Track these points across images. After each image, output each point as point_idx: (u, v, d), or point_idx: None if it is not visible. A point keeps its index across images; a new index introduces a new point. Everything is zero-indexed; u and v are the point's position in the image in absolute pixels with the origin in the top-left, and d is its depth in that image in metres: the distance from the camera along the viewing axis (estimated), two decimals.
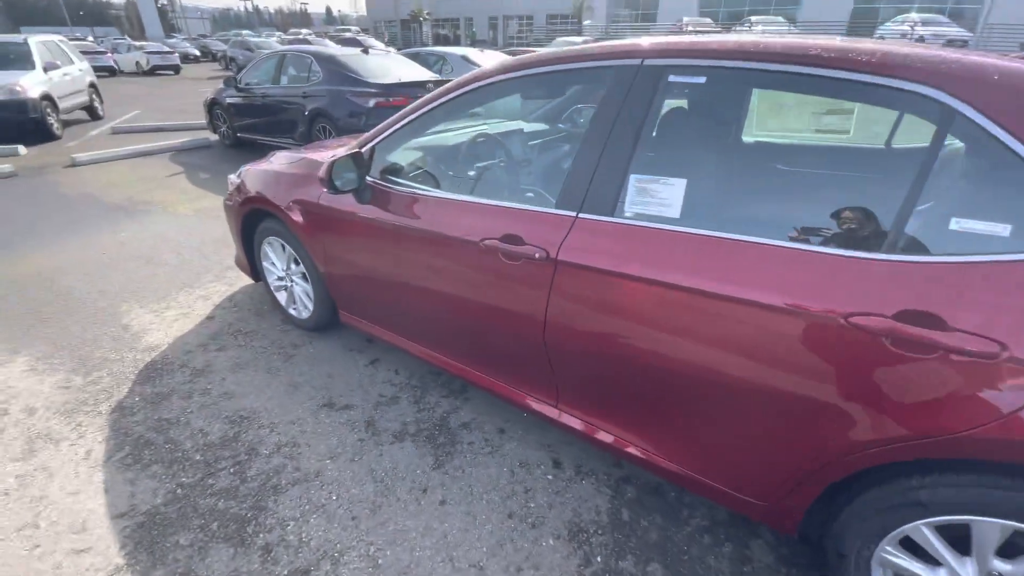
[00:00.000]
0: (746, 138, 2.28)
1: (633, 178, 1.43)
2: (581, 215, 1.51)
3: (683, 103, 1.79)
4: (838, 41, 1.26)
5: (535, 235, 1.57)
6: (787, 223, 1.30)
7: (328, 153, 2.51)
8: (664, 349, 1.40)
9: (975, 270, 1.04)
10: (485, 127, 2.77)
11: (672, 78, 1.40)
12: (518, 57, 1.74)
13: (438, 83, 6.42)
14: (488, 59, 8.54)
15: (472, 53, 8.58)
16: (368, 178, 2.04)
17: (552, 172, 2.46)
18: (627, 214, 1.44)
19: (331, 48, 6.62)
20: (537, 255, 1.55)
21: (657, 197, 1.39)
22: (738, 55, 1.31)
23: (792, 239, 1.25)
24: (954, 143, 2.00)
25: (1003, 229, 1.05)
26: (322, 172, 1.94)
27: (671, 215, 1.38)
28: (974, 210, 1.09)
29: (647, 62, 1.43)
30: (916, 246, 1.12)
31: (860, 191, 1.47)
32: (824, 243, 1.22)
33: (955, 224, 1.09)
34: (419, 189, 1.96)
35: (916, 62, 1.13)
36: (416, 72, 6.61)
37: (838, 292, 1.15)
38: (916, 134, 2.40)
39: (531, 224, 1.60)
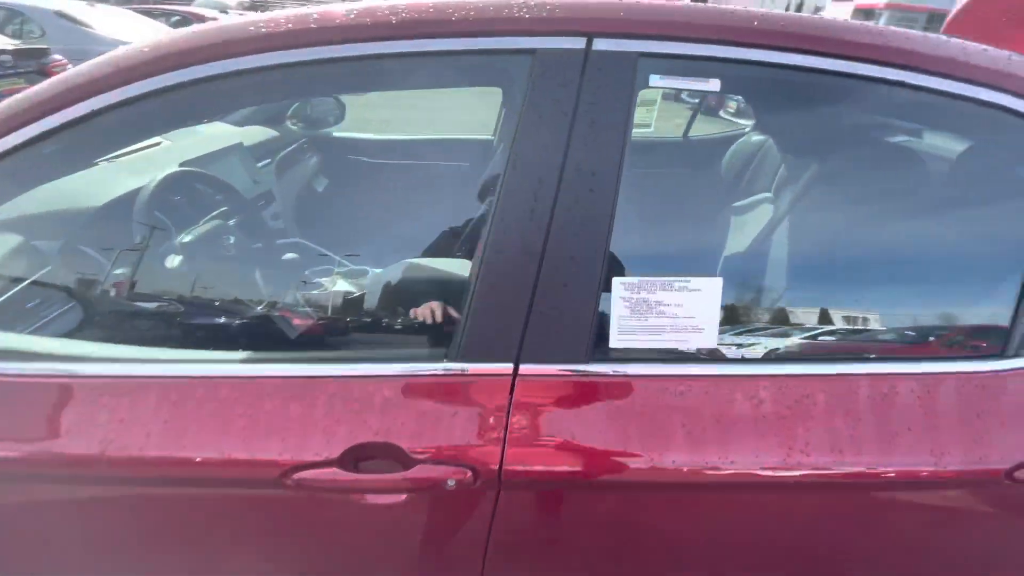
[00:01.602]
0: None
1: (618, 285, 0.71)
2: (525, 368, 0.71)
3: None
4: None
5: (433, 434, 0.69)
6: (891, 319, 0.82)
7: None
8: None
9: None
10: (167, 144, 1.49)
11: (654, 80, 0.70)
12: (295, 16, 0.73)
13: (20, 54, 3.98)
14: (104, 17, 5.94)
15: (75, 8, 5.81)
16: None
17: (381, 241, 1.45)
18: (615, 355, 0.72)
19: None
20: (451, 482, 0.69)
21: (670, 315, 0.71)
22: (786, 39, 0.70)
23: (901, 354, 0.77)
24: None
25: None
26: None
27: (702, 343, 0.72)
28: None
29: (599, 45, 0.69)
30: None
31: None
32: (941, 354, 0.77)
33: None
34: (62, 362, 0.76)
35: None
36: None
37: (984, 437, 0.72)
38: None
39: (406, 410, 0.70)
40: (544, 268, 0.69)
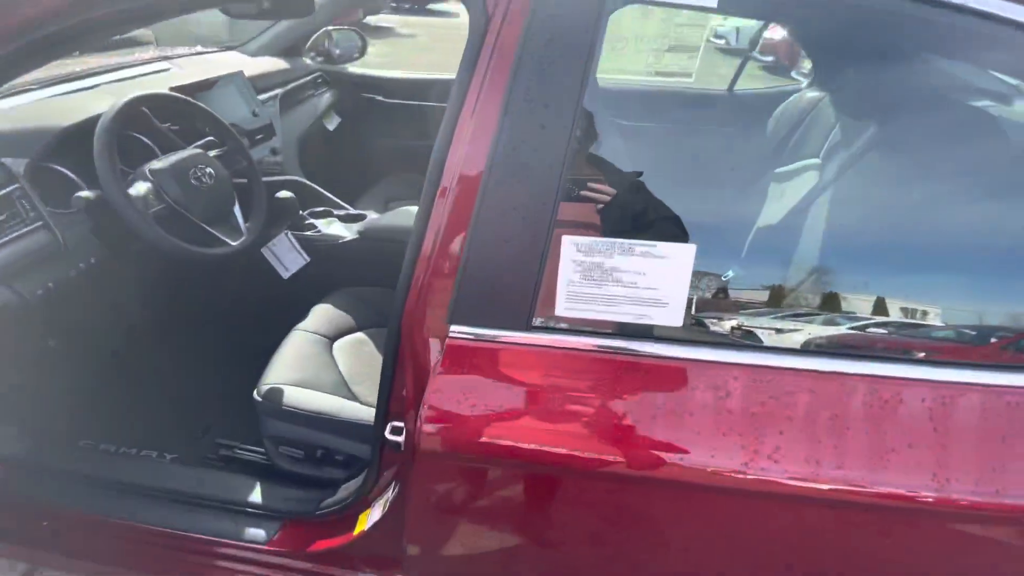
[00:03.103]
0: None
1: (568, 245, 0.60)
2: (455, 329, 0.62)
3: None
4: None
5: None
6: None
7: None
8: None
9: None
10: (173, 70, 1.45)
11: None
12: None
13: None
14: None
15: None
16: None
17: None
18: (561, 325, 0.63)
19: None
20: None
21: (627, 283, 0.60)
22: None
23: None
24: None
25: None
26: None
27: (664, 319, 0.61)
28: None
29: None
30: None
31: None
32: None
33: None
34: None
35: None
36: None
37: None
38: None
39: None
40: (481, 219, 0.58)
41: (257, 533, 0.94)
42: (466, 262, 0.60)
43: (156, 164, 1.02)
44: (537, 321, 0.62)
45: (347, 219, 1.59)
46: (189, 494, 1.06)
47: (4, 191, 0.92)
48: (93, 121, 1.00)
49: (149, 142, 1.17)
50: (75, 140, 1.03)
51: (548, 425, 0.60)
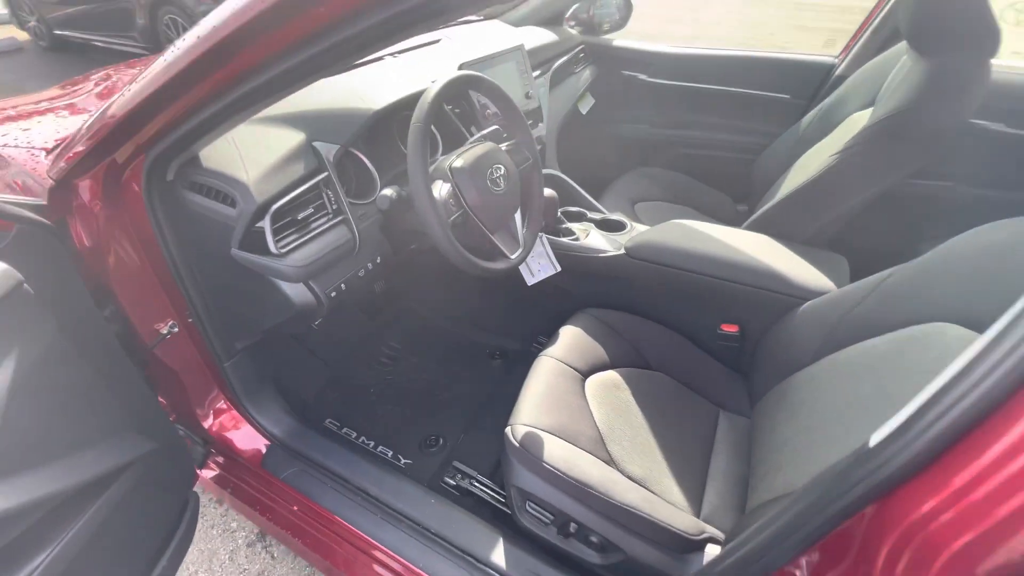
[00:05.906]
0: None
1: None
2: None
3: None
4: None
5: None
6: None
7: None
8: None
9: None
10: (446, 43, 1.34)
11: None
12: None
13: None
14: None
15: None
16: None
17: None
18: None
19: None
20: None
21: None
22: None
23: None
24: None
25: None
26: None
27: None
28: None
29: None
30: None
31: None
32: None
33: None
34: None
35: None
36: None
37: None
38: None
39: None
40: None
41: None
42: None
43: (457, 161, 0.87)
44: None
45: (603, 226, 1.36)
46: (430, 529, 0.96)
47: (315, 180, 0.85)
48: (403, 105, 0.89)
49: (435, 131, 1.05)
50: (380, 126, 0.94)
51: None
